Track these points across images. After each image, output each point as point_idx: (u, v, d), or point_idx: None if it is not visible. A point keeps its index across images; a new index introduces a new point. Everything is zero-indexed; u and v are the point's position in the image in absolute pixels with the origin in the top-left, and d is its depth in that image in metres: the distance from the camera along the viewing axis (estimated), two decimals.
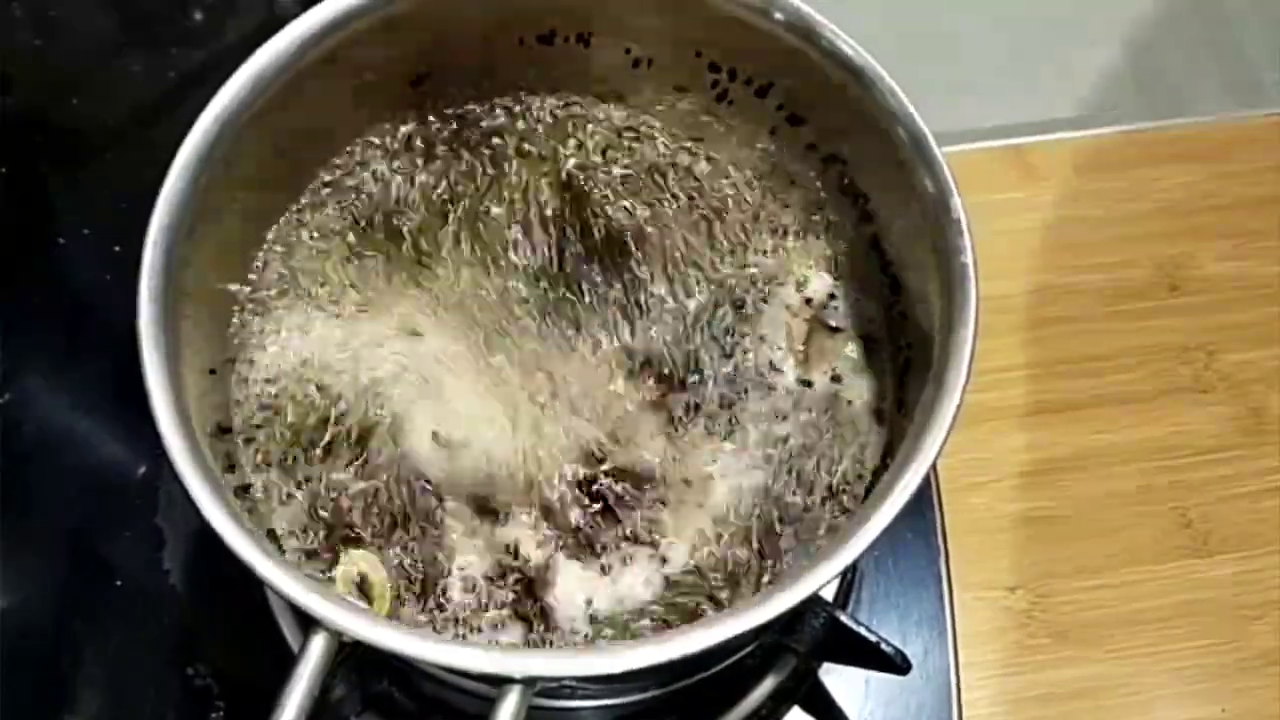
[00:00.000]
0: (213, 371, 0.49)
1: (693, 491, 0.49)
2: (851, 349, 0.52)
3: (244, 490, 0.48)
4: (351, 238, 0.52)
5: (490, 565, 0.47)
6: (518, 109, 0.54)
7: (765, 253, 0.53)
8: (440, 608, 0.47)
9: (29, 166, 0.69)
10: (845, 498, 0.48)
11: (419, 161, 0.54)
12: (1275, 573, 0.68)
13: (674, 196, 0.53)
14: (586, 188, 0.53)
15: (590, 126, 0.55)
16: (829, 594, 0.58)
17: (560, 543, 0.48)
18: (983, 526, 0.69)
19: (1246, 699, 0.66)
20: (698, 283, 0.52)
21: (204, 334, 0.48)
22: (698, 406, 0.50)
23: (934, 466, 0.42)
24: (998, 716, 0.65)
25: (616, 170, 0.54)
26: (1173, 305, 0.75)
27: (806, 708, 0.59)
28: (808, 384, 0.51)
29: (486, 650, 0.39)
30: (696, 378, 0.50)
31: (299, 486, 0.48)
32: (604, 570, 0.48)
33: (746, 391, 0.51)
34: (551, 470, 0.48)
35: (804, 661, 0.58)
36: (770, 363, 0.51)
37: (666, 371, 0.51)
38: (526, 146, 0.54)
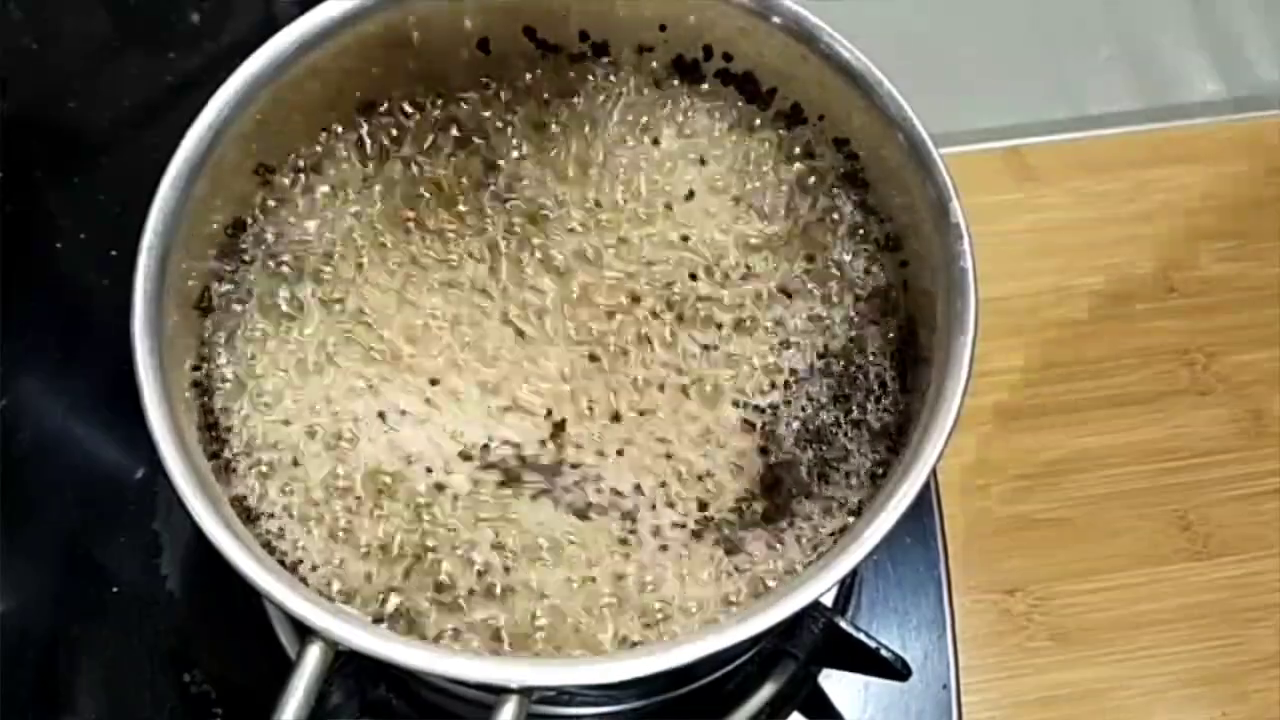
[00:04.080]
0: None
1: None
2: None
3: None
4: (346, 240, 0.52)
5: None
6: (517, 110, 0.54)
7: None
8: None
9: (25, 170, 0.68)
10: (843, 504, 0.48)
11: (417, 163, 0.53)
12: (1275, 575, 0.68)
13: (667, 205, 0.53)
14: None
15: (589, 126, 0.54)
16: (828, 599, 0.58)
17: None
18: (982, 530, 0.69)
19: (1247, 702, 0.66)
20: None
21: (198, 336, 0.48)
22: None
23: (933, 470, 0.42)
24: None
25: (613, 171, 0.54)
26: (1172, 307, 0.75)
27: (806, 713, 0.59)
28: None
29: (483, 660, 0.39)
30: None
31: None
32: None
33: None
34: None
35: (803, 667, 0.58)
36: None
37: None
38: (529, 144, 0.53)
